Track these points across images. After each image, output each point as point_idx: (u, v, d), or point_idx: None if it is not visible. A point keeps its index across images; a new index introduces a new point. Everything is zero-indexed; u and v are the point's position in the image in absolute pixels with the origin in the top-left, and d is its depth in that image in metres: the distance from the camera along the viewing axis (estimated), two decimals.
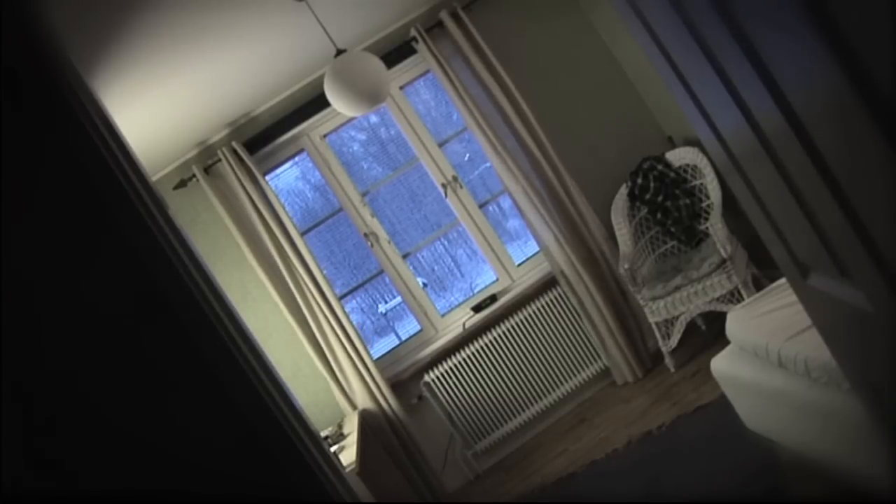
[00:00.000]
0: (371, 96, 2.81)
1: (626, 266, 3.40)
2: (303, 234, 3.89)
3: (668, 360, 3.49)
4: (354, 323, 3.61)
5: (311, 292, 3.54)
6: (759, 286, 3.10)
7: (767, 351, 1.95)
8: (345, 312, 3.57)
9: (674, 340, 3.41)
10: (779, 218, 1.09)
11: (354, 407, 3.64)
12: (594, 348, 3.79)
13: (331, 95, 2.79)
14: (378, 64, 2.86)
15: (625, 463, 2.93)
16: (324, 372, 3.63)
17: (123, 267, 1.14)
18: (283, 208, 3.56)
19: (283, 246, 3.53)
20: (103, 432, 1.10)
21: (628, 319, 3.70)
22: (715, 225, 3.17)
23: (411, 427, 3.63)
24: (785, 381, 1.93)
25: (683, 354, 3.51)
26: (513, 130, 3.84)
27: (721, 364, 2.34)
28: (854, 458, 1.73)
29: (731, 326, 2.25)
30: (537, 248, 3.97)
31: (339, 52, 2.85)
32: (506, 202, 4.77)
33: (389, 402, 3.56)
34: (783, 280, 2.28)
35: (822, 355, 1.68)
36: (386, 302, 6.40)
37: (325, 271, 3.58)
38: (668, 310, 3.35)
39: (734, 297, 3.13)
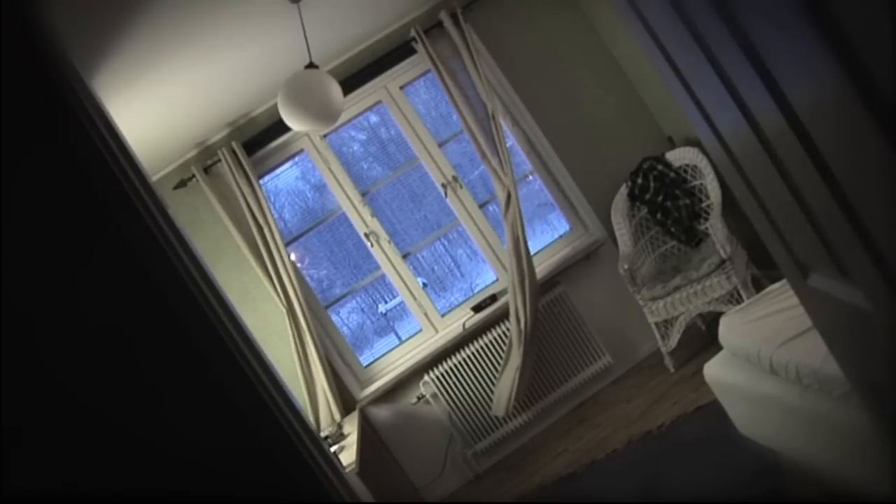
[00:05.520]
0: (321, 117, 2.87)
1: (626, 266, 3.40)
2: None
3: (667, 361, 3.49)
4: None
5: (294, 300, 3.57)
6: (758, 287, 3.10)
7: (759, 357, 1.95)
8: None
9: (673, 341, 3.41)
10: (779, 218, 1.09)
11: (316, 416, 3.62)
12: (594, 348, 3.79)
13: (282, 107, 2.84)
14: (334, 87, 2.91)
15: (625, 463, 2.93)
16: (299, 375, 3.61)
17: (123, 267, 1.14)
18: (272, 215, 3.57)
19: (272, 251, 3.56)
20: (103, 433, 1.10)
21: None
22: (715, 225, 3.17)
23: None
24: (776, 387, 1.93)
25: (683, 355, 3.51)
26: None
27: (714, 369, 2.34)
28: (844, 464, 1.73)
29: (724, 332, 2.25)
30: (537, 249, 3.97)
31: (310, 66, 2.90)
32: None
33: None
34: (776, 285, 2.29)
35: (814, 362, 1.68)
36: (386, 302, 6.40)
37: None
38: (667, 310, 3.35)
39: (733, 297, 3.12)
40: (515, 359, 3.59)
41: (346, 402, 3.70)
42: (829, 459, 1.81)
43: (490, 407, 3.72)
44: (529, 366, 3.64)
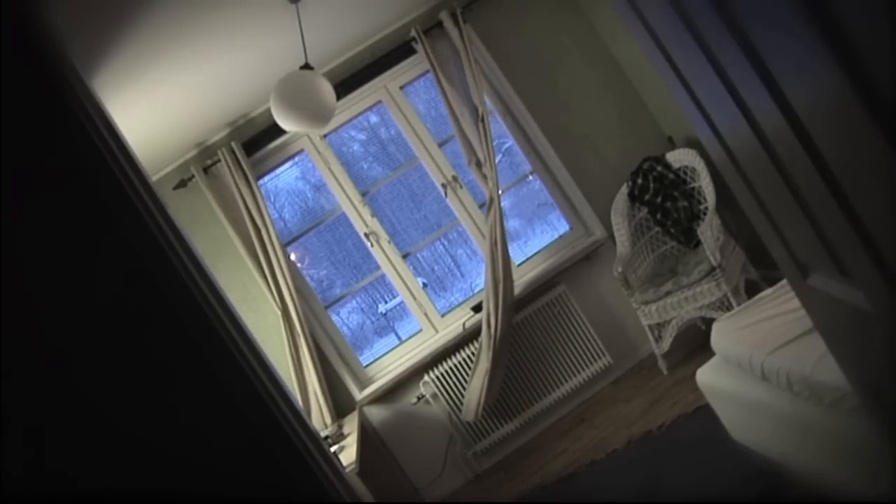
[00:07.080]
0: (313, 118, 2.87)
1: (620, 269, 3.40)
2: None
3: (660, 363, 3.49)
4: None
5: (289, 302, 3.57)
6: (756, 290, 3.09)
7: (751, 363, 1.95)
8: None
9: (665, 344, 3.40)
10: (779, 218, 1.09)
11: (308, 415, 3.62)
12: (594, 348, 3.79)
13: (274, 107, 2.85)
14: (326, 88, 2.91)
15: (625, 463, 2.93)
16: (292, 377, 3.61)
17: (123, 267, 1.14)
18: (270, 216, 3.57)
19: (269, 253, 3.56)
20: (103, 432, 1.10)
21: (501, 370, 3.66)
22: (705, 232, 3.12)
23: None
24: (767, 393, 1.93)
25: (682, 355, 3.51)
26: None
27: (706, 375, 2.34)
28: (834, 470, 1.73)
29: (716, 338, 2.25)
30: (537, 249, 3.97)
31: (305, 67, 2.90)
32: (505, 202, 4.77)
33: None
34: (769, 290, 2.29)
35: (804, 369, 1.69)
36: (386, 302, 6.40)
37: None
38: (659, 314, 3.34)
39: (724, 304, 3.11)
40: (484, 363, 3.57)
41: (346, 403, 3.70)
42: (820, 466, 1.81)
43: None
44: (501, 371, 3.62)
